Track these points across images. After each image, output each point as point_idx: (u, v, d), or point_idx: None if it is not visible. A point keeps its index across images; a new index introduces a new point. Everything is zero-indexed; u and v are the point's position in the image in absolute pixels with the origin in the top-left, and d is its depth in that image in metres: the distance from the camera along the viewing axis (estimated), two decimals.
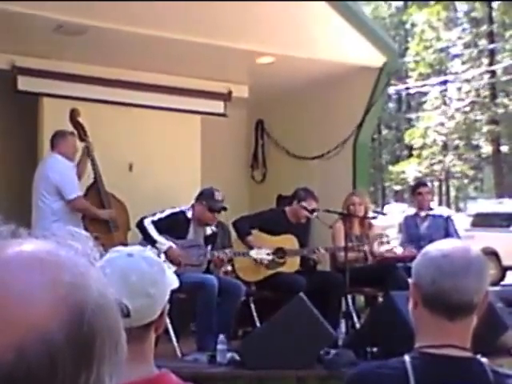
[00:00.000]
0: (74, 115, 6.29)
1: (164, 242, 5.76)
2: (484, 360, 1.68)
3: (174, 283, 1.76)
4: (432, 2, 28.51)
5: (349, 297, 6.08)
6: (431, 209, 7.25)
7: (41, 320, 0.57)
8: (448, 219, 7.20)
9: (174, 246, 5.79)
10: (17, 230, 0.64)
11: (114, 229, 6.13)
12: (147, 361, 1.62)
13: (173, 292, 1.73)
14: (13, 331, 0.56)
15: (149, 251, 1.77)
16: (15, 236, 0.63)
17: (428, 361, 1.66)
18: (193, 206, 6.00)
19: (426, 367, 1.65)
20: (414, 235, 7.09)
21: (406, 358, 1.68)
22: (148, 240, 5.68)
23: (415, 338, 1.73)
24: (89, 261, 0.64)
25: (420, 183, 8.06)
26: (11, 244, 0.61)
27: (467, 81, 27.87)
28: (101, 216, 6.07)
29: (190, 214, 5.96)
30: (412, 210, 7.55)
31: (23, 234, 0.64)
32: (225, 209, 6.04)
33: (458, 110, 27.96)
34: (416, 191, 7.24)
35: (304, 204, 6.32)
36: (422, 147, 29.28)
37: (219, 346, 4.96)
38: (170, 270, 1.79)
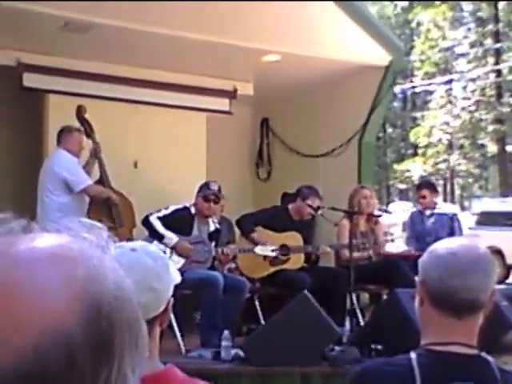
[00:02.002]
0: (80, 112, 6.29)
1: (171, 237, 5.76)
2: (490, 358, 1.68)
3: (177, 278, 1.76)
4: (438, 2, 28.46)
5: (353, 294, 6.07)
6: (436, 206, 7.23)
7: (57, 317, 0.55)
8: (454, 217, 7.19)
9: (182, 239, 5.79)
10: (28, 225, 0.62)
11: (120, 225, 6.14)
12: (152, 356, 1.61)
13: (177, 288, 1.72)
14: (29, 330, 0.55)
15: (152, 246, 1.77)
16: (27, 231, 0.61)
17: (434, 358, 1.66)
18: (194, 202, 6.02)
19: (432, 364, 1.65)
20: (419, 231, 7.08)
21: (412, 355, 1.67)
22: (155, 236, 5.68)
23: (421, 335, 1.73)
24: (104, 252, 0.63)
25: (423, 184, 7.76)
26: (23, 240, 0.60)
27: (473, 80, 27.82)
28: (113, 198, 6.11)
29: (193, 210, 5.97)
30: (418, 207, 7.50)
31: (35, 229, 0.62)
32: (217, 197, 5.98)
33: (463, 108, 27.92)
34: (420, 193, 7.20)
35: (308, 202, 6.31)
36: (427, 146, 29.24)
37: (223, 343, 4.96)
38: (172, 265, 1.79)
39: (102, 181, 6.30)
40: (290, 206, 6.49)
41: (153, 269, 1.64)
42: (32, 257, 0.58)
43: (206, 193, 5.94)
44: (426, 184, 7.72)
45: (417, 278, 1.73)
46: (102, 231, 0.66)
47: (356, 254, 6.18)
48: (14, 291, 0.56)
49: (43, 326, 0.55)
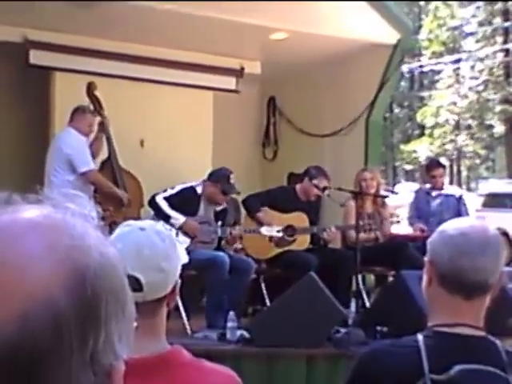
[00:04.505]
0: (90, 88, 6.27)
1: (178, 217, 5.74)
2: (497, 340, 1.68)
3: (184, 258, 1.76)
4: None
5: (359, 275, 6.07)
6: (443, 187, 7.16)
7: (42, 286, 0.56)
8: (460, 199, 7.14)
9: (189, 219, 5.78)
10: (10, 197, 0.62)
11: (127, 204, 6.14)
12: (159, 335, 1.62)
13: (183, 269, 1.72)
14: (14, 300, 0.55)
15: (160, 225, 1.76)
16: (9, 203, 0.62)
17: (441, 339, 1.66)
18: (204, 184, 5.97)
19: (439, 346, 1.65)
20: (423, 211, 7.03)
21: (419, 336, 1.67)
22: (161, 216, 5.65)
23: (428, 316, 1.73)
24: (87, 221, 0.63)
25: (434, 163, 7.53)
26: (5, 212, 0.60)
27: (481, 59, 27.64)
28: (114, 192, 6.06)
29: (200, 190, 5.94)
30: (426, 187, 7.39)
31: (17, 201, 0.62)
32: (238, 193, 6.10)
33: (470, 88, 27.77)
34: (430, 173, 7.11)
35: (315, 182, 6.30)
36: (434, 126, 29.13)
37: (229, 324, 4.97)
38: (180, 245, 1.78)
39: (111, 159, 6.30)
40: (298, 187, 6.48)
41: (161, 248, 1.63)
42: (15, 227, 0.59)
43: (226, 188, 5.90)
44: (438, 163, 7.57)
45: (425, 258, 1.72)
46: (84, 200, 0.66)
47: (363, 236, 6.16)
48: None
49: (29, 295, 0.55)
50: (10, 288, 0.55)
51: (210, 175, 6.02)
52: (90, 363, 0.57)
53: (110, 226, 1.71)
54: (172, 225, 5.62)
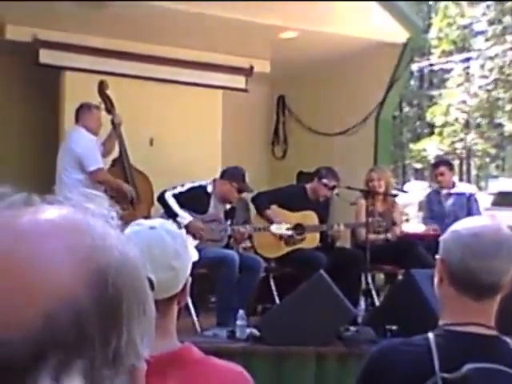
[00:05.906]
0: (102, 87, 6.28)
1: (185, 216, 5.74)
2: (508, 339, 1.67)
3: (194, 256, 1.76)
4: None
5: (368, 274, 6.06)
6: (454, 185, 7.13)
7: (65, 286, 0.56)
8: (472, 197, 7.11)
9: (195, 219, 5.78)
10: (29, 197, 0.62)
11: (137, 203, 6.14)
12: (170, 334, 1.62)
13: (193, 267, 1.72)
14: (39, 300, 0.55)
15: (170, 224, 1.76)
16: (28, 204, 0.61)
17: (452, 338, 1.65)
18: (216, 182, 5.96)
19: (450, 345, 1.64)
20: (437, 212, 7.00)
21: (430, 335, 1.67)
22: (169, 214, 5.66)
23: (436, 315, 1.72)
24: (106, 221, 0.63)
25: (440, 162, 7.58)
26: (25, 213, 0.60)
27: (491, 58, 27.51)
28: (123, 188, 6.06)
29: (210, 189, 5.94)
30: (435, 186, 7.39)
31: (36, 201, 0.62)
32: (251, 191, 6.14)
33: (480, 87, 27.64)
34: (436, 171, 7.10)
35: (324, 181, 6.29)
36: (444, 125, 29.00)
37: (239, 322, 4.97)
38: (190, 243, 1.78)
39: (122, 158, 6.30)
40: (308, 186, 6.47)
41: (172, 247, 1.63)
42: (36, 229, 0.58)
43: (243, 187, 5.93)
44: (443, 161, 7.58)
45: (437, 256, 1.71)
46: (103, 200, 0.66)
47: (372, 236, 6.14)
48: (22, 263, 0.56)
49: (52, 295, 0.55)
50: (33, 288, 0.55)
51: (224, 173, 6.01)
52: (112, 363, 0.57)
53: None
54: (178, 223, 5.61)
